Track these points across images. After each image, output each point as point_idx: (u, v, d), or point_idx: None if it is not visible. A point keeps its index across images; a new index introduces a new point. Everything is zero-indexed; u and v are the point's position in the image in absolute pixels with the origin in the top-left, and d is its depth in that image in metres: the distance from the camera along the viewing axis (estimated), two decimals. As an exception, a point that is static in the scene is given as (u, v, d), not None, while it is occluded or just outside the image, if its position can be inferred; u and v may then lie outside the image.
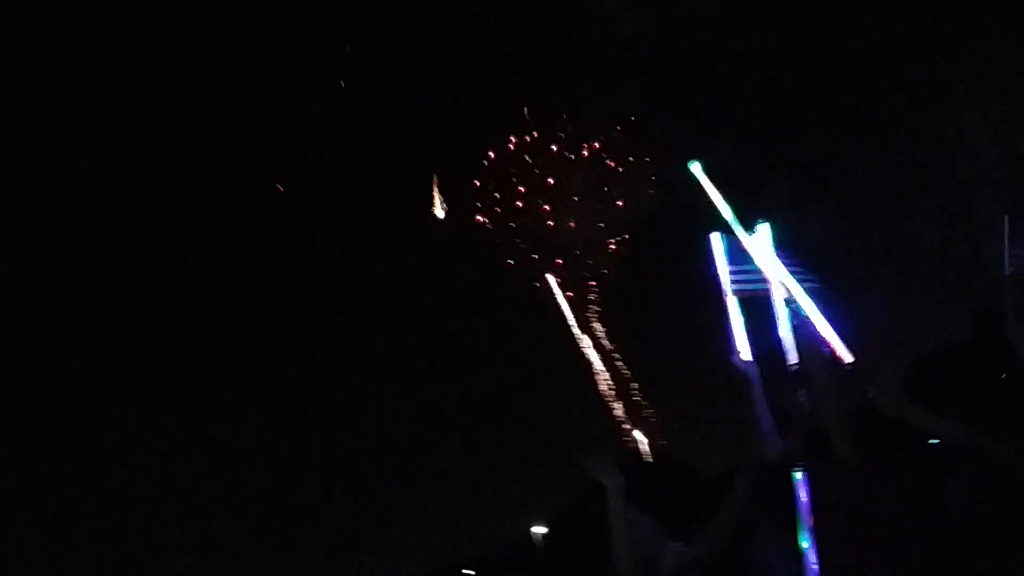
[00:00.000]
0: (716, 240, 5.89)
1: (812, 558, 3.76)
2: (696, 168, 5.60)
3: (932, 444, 4.86)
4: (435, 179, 34.87)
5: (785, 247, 5.69)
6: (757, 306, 5.80)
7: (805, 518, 3.77)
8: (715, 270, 5.88)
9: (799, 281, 5.35)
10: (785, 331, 5.45)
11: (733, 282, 5.77)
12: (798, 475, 3.74)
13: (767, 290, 5.66)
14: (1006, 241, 5.15)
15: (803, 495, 3.77)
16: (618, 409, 37.07)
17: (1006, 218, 5.11)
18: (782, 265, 5.43)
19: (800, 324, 5.14)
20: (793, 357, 5.36)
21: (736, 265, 5.84)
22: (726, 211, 5.50)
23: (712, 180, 5.62)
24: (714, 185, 5.52)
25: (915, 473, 4.72)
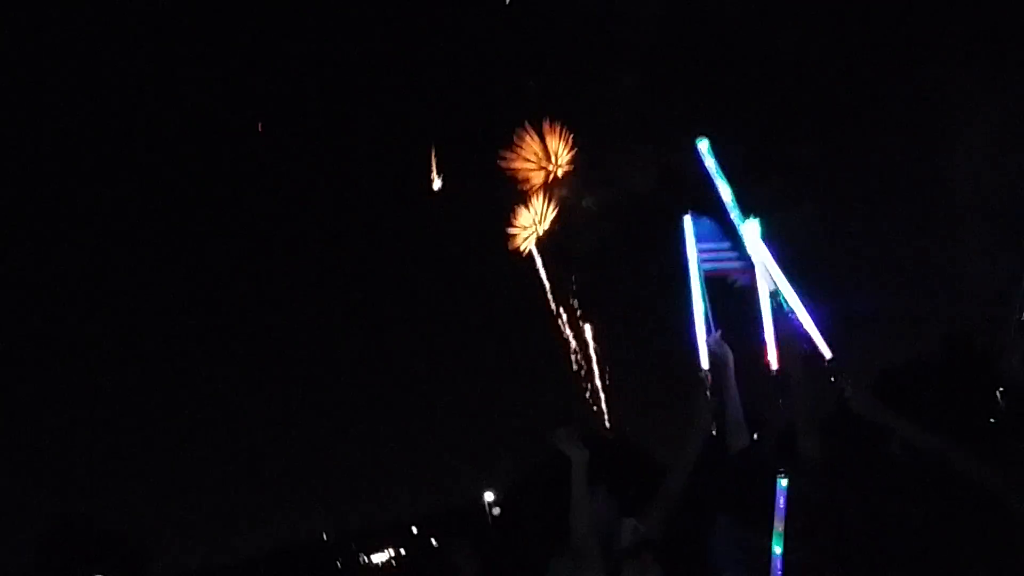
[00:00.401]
0: (689, 221, 5.84)
1: (779, 563, 3.75)
2: (704, 145, 5.53)
3: (896, 450, 4.89)
4: (432, 150, 34.76)
5: (773, 241, 5.67)
6: (738, 293, 5.78)
7: (779, 523, 3.74)
8: (689, 252, 5.84)
9: (785, 274, 5.33)
10: (767, 322, 5.42)
11: (707, 260, 5.73)
12: (783, 482, 3.70)
13: (741, 271, 5.64)
14: None
15: (781, 501, 3.74)
16: (587, 386, 37.18)
17: None
18: (770, 256, 5.39)
19: (783, 317, 5.12)
20: (772, 349, 5.33)
21: (713, 244, 5.80)
22: (726, 192, 5.44)
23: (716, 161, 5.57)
24: (718, 166, 5.47)
25: (879, 476, 4.74)
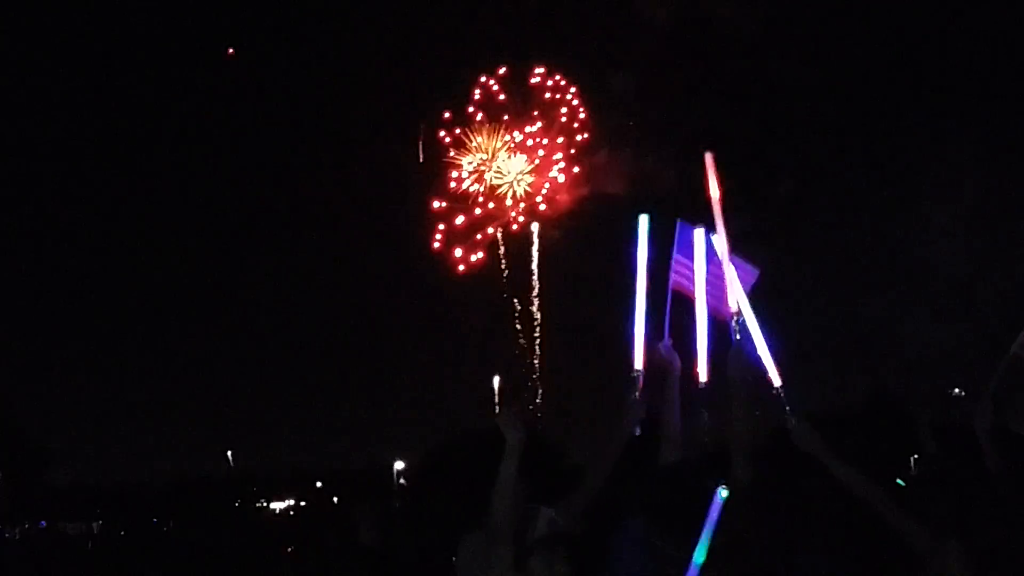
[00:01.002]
0: (644, 221, 5.80)
1: (695, 574, 3.75)
2: (709, 158, 5.48)
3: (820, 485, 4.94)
4: (422, 126, 34.55)
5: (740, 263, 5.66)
6: (691, 307, 5.76)
7: (707, 535, 3.74)
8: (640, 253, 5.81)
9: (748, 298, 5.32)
10: (702, 334, 5.43)
11: (680, 274, 5.70)
12: (724, 493, 3.69)
13: (713, 295, 5.63)
14: None
15: (715, 513, 3.73)
16: (528, 373, 37.07)
17: None
18: (737, 277, 5.38)
19: (740, 338, 5.10)
20: (703, 362, 5.35)
21: (683, 256, 5.78)
22: (717, 207, 5.40)
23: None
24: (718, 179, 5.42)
25: (802, 508, 4.77)
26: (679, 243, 5.55)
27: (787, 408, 4.77)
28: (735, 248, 5.43)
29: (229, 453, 55.81)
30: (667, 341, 5.36)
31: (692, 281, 5.60)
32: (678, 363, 5.29)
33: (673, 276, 5.55)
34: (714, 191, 5.35)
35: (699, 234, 5.49)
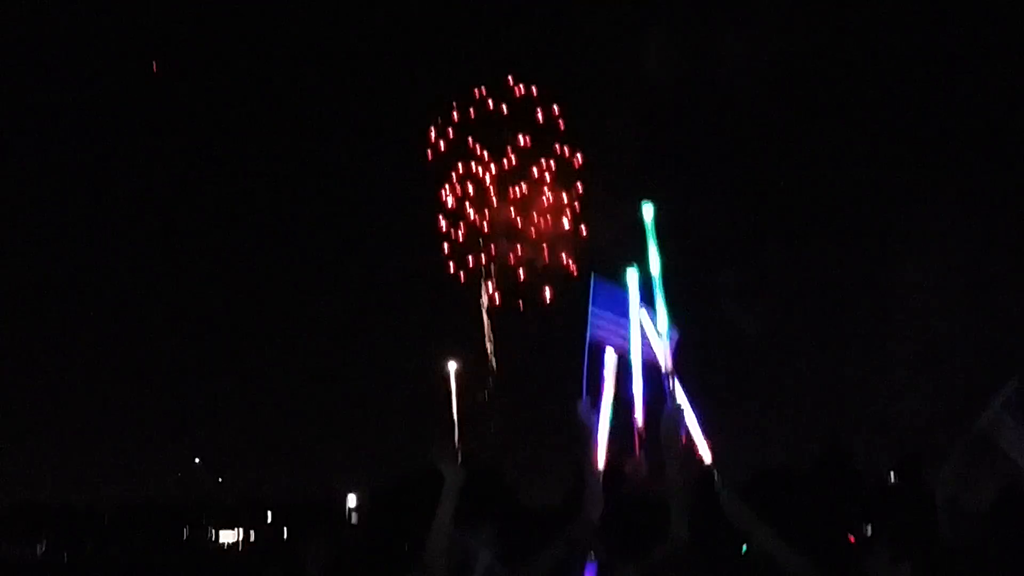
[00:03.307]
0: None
1: None
2: (648, 210, 5.44)
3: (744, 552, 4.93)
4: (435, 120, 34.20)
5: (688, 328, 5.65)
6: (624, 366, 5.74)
7: None
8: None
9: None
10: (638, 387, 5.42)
11: (597, 327, 5.68)
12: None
13: (623, 347, 5.61)
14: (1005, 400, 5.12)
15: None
16: (478, 413, 36.88)
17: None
18: (671, 343, 5.36)
19: (673, 400, 5.06)
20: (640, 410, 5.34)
21: (610, 313, 5.76)
22: (655, 264, 5.36)
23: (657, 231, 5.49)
24: (656, 236, 5.38)
25: (743, 561, 4.76)
26: (595, 297, 5.56)
27: (716, 479, 4.76)
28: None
29: (197, 460, 55.18)
30: (585, 400, 5.28)
31: (611, 332, 5.61)
32: (596, 422, 5.22)
33: (591, 330, 5.55)
34: (653, 246, 5.32)
35: (632, 275, 5.48)
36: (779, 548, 4.42)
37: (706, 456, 5.04)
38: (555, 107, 33.99)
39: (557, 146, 33.83)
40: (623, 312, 5.61)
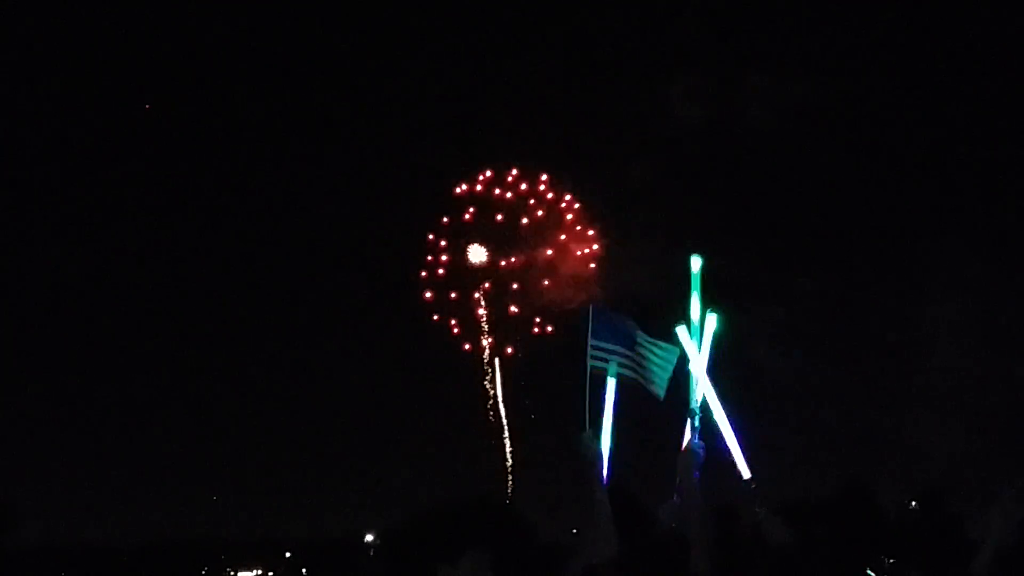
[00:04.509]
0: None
1: None
2: (696, 262, 5.50)
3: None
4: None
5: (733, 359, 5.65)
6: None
7: None
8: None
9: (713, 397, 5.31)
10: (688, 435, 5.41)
11: (595, 358, 5.68)
12: None
13: (632, 379, 5.61)
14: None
15: None
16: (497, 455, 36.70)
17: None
18: (705, 372, 5.37)
19: (694, 437, 5.06)
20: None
21: (608, 343, 5.77)
22: (696, 309, 5.41)
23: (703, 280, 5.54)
24: (702, 286, 5.43)
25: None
26: (594, 328, 5.59)
27: (757, 500, 4.75)
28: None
29: (215, 498, 55.10)
30: (588, 430, 5.28)
31: (611, 362, 5.62)
32: (601, 453, 5.21)
33: (591, 362, 5.58)
34: (696, 296, 5.35)
35: (682, 332, 5.50)
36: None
37: (744, 471, 5.02)
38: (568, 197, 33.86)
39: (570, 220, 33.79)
40: (620, 341, 5.63)
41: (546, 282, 33.59)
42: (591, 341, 5.67)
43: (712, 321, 5.62)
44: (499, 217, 34.58)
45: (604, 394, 5.61)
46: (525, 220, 33.94)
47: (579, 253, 33.48)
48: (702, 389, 5.29)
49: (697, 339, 5.40)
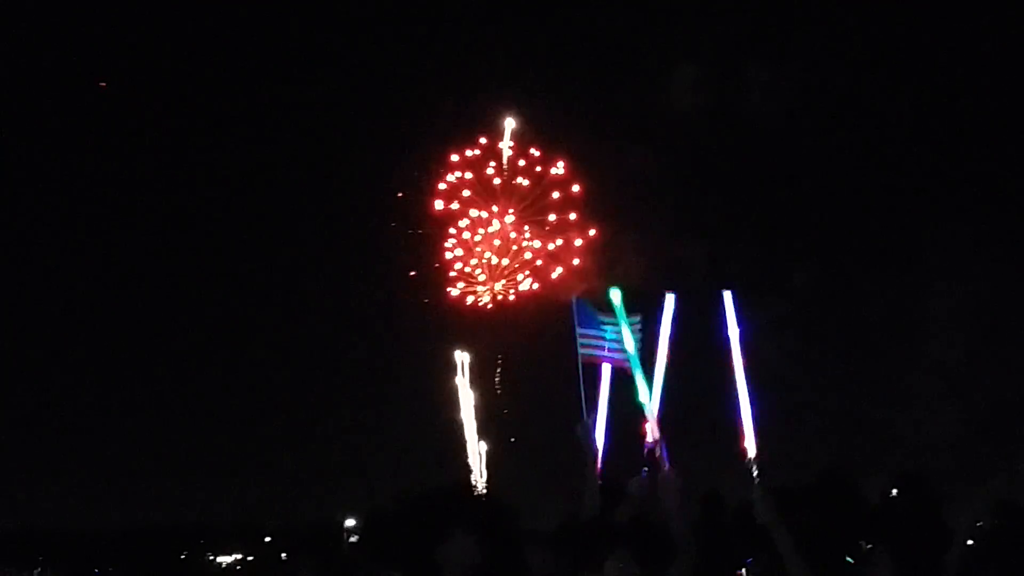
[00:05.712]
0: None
1: None
2: (616, 295, 5.60)
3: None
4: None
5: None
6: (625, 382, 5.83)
7: None
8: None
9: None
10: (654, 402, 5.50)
11: (584, 347, 5.77)
12: None
13: (616, 361, 5.70)
14: None
15: None
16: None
17: None
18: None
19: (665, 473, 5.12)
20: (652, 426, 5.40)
21: (592, 331, 5.86)
22: (628, 339, 5.49)
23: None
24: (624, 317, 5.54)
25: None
26: (579, 318, 5.67)
27: (755, 479, 4.83)
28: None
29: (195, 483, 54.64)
30: (584, 420, 5.35)
31: (600, 350, 5.70)
32: (595, 446, 5.28)
33: (580, 351, 5.65)
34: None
35: (615, 295, 5.60)
36: (792, 559, 4.47)
37: (751, 449, 5.09)
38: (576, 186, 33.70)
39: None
40: (601, 326, 5.72)
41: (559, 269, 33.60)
42: (578, 330, 5.75)
43: (617, 296, 5.70)
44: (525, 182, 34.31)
45: (599, 383, 5.67)
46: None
47: (577, 243, 33.46)
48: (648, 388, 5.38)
49: (645, 380, 5.51)
